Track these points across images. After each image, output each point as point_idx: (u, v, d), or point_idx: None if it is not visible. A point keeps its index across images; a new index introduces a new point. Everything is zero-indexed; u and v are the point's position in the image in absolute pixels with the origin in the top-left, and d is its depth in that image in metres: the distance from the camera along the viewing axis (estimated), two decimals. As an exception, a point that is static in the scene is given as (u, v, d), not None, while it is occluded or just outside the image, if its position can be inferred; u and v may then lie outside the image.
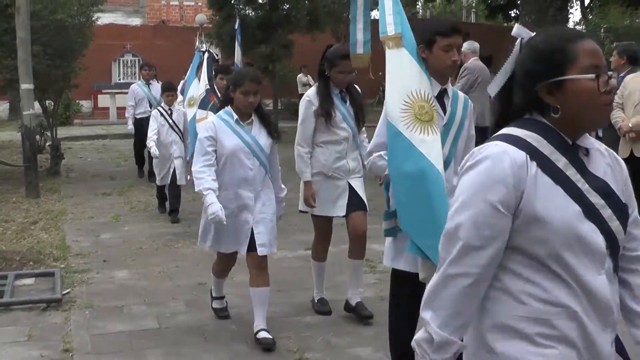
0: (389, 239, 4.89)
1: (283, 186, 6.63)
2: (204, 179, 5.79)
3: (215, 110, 8.22)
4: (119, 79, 31.25)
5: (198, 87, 12.22)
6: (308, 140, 6.57)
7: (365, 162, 5.14)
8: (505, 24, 41.16)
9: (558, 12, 18.73)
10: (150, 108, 13.92)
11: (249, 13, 23.98)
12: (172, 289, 7.50)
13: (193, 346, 5.91)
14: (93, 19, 15.72)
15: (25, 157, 12.93)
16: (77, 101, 28.58)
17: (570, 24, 29.27)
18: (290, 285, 7.57)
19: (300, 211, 6.86)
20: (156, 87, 14.64)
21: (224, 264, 6.53)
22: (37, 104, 14.04)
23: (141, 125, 14.18)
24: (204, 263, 8.45)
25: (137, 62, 31.53)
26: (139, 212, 11.46)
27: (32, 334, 6.16)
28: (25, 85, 12.93)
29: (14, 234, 9.80)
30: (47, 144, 15.44)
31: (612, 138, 8.72)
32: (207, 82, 10.12)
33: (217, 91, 9.82)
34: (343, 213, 6.59)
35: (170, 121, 11.07)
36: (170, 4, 41.04)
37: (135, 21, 35.76)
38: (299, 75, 28.08)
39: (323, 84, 6.58)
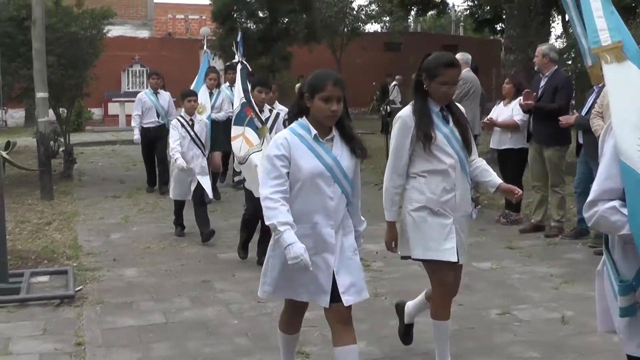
0: (624, 320, 3.44)
1: (362, 218, 5.14)
2: (278, 209, 4.34)
3: (254, 126, 8.14)
4: (128, 88, 31.23)
5: (206, 94, 12.24)
6: (402, 171, 5.24)
7: (586, 214, 3.35)
8: (492, 37, 41.20)
9: (541, 26, 18.78)
10: (158, 118, 13.51)
11: (250, 26, 24.00)
12: (177, 286, 7.50)
13: (197, 340, 5.92)
14: (104, 31, 15.70)
15: (40, 162, 12.92)
16: (88, 109, 28.56)
17: (552, 38, 29.25)
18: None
19: (403, 257, 5.49)
20: (164, 96, 13.83)
21: (293, 314, 5.06)
22: (51, 112, 14.01)
23: (148, 135, 13.57)
24: (207, 261, 8.50)
25: (145, 72, 31.50)
26: (147, 214, 11.46)
27: (47, 328, 6.16)
28: (40, 94, 12.92)
29: (29, 234, 9.80)
30: (61, 149, 15.41)
31: (593, 144, 8.73)
32: (243, 95, 8.51)
33: (254, 104, 8.29)
34: (454, 258, 5.07)
35: (192, 133, 9.60)
36: (176, 17, 41.16)
37: (144, 33, 35.72)
38: (297, 85, 28.04)
39: (421, 99, 5.19)
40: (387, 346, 5.78)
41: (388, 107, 16.53)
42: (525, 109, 9.82)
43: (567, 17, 34.00)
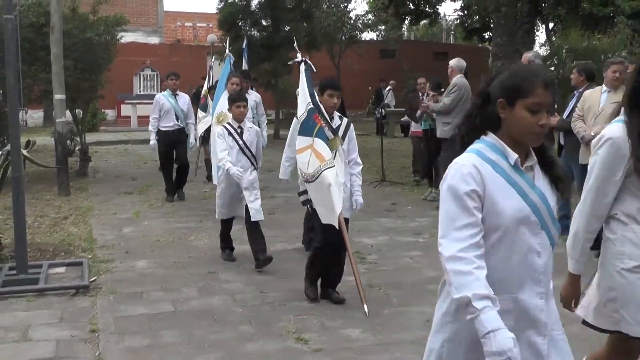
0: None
1: None
2: (474, 275, 2.75)
3: (324, 137, 6.46)
4: (140, 91, 31.27)
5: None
6: (603, 212, 3.78)
7: None
8: (480, 45, 41.19)
9: (526, 35, 18.81)
10: (177, 121, 12.20)
11: (254, 34, 24.01)
12: (185, 277, 7.49)
13: (204, 327, 5.92)
14: (117, 37, 15.71)
15: (58, 160, 12.92)
16: (102, 110, 28.55)
17: (537, 45, 29.28)
18: (289, 274, 7.57)
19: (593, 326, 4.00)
20: (183, 98, 12.62)
21: None
22: (68, 113, 14.02)
23: (168, 138, 12.15)
24: (213, 254, 8.49)
25: (155, 76, 31.58)
26: (157, 209, 11.45)
27: (63, 316, 6.16)
28: (58, 96, 12.92)
29: (47, 228, 9.80)
30: (77, 148, 15.41)
31: (573, 146, 8.76)
32: (310, 100, 6.76)
33: (323, 111, 6.64)
34: None
35: (241, 142, 7.98)
36: (184, 25, 41.14)
37: (154, 40, 35.72)
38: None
39: (637, 118, 3.65)
40: (381, 333, 5.79)
41: (382, 110, 16.53)
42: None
43: (550, 26, 34.13)
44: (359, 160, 6.86)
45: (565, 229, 9.63)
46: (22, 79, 8.26)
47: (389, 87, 27.36)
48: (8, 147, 7.58)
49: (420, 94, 13.66)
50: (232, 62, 11.60)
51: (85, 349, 5.42)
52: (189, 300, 6.68)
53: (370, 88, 31.39)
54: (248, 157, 8.00)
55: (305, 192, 6.76)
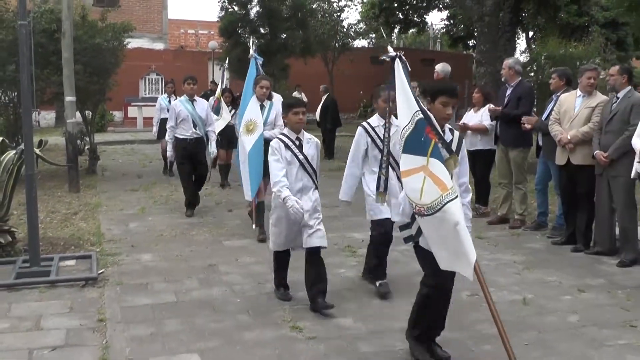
0: None
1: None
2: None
3: (441, 156, 4.58)
4: (145, 94, 31.19)
5: (257, 107, 8.80)
6: None
7: None
8: (465, 52, 41.20)
9: (507, 42, 18.85)
10: (195, 129, 10.49)
11: (253, 40, 24.00)
12: (187, 269, 7.48)
13: (204, 317, 5.91)
14: (124, 43, 15.66)
15: (68, 158, 12.90)
16: (110, 112, 28.44)
17: (517, 52, 29.29)
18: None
19: None
20: (201, 104, 10.85)
21: None
22: (78, 114, 14.00)
23: (186, 148, 10.46)
24: (213, 248, 8.49)
25: (160, 79, 31.50)
26: (161, 205, 11.43)
27: (73, 306, 6.15)
28: (69, 98, 12.91)
29: (58, 223, 9.77)
30: (86, 147, 15.37)
31: (551, 146, 8.77)
32: (418, 108, 4.76)
33: (435, 123, 4.72)
34: None
35: (301, 156, 6.18)
36: (187, 32, 41.07)
37: (159, 46, 35.64)
38: (294, 93, 28.11)
39: None
40: (371, 323, 5.79)
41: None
42: (493, 116, 9.85)
43: (530, 34, 34.14)
44: (469, 185, 5.28)
45: (544, 225, 9.67)
46: (35, 81, 8.27)
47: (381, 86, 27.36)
48: (22, 146, 7.55)
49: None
50: (259, 63, 9.88)
51: (93, 337, 5.41)
52: (190, 291, 6.67)
53: (361, 92, 31.41)
54: (310, 175, 6.24)
55: (408, 225, 5.01)
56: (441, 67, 11.70)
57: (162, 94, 30.89)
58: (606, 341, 5.39)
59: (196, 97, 10.82)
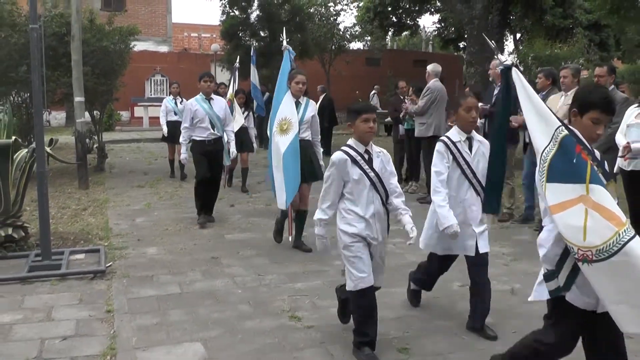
0: None
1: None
2: None
3: (601, 182, 3.45)
4: (151, 94, 31.14)
5: (292, 105, 7.77)
6: None
7: None
8: (455, 53, 41.18)
9: (496, 44, 18.78)
10: (213, 129, 9.41)
11: (253, 43, 23.98)
12: (191, 262, 7.48)
13: (207, 307, 5.92)
14: (130, 46, 15.66)
15: (78, 156, 12.89)
16: (117, 111, 28.46)
17: (506, 53, 29.39)
18: (284, 258, 7.59)
19: None
20: (219, 102, 9.70)
21: None
22: (87, 114, 14.00)
23: (202, 150, 9.36)
24: (216, 241, 8.49)
25: (165, 81, 31.43)
26: (166, 201, 11.42)
27: (83, 298, 6.16)
28: (78, 98, 12.91)
29: (69, 219, 9.77)
30: (95, 145, 15.35)
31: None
32: (560, 123, 3.69)
33: (581, 137, 3.64)
34: None
35: (372, 174, 4.87)
36: (191, 35, 41.06)
37: (164, 48, 35.58)
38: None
39: None
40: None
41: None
42: (482, 114, 9.84)
43: (517, 36, 34.16)
44: None
45: (531, 218, 9.69)
46: (46, 83, 8.25)
47: (373, 92, 27.36)
48: (33, 144, 7.55)
49: (401, 97, 13.62)
50: (292, 57, 8.51)
51: (101, 327, 5.41)
52: (193, 283, 6.67)
53: (357, 92, 31.40)
54: (380, 194, 4.88)
55: (554, 274, 3.73)
56: (432, 68, 11.71)
57: (167, 94, 31.16)
58: (589, 328, 5.39)
59: (213, 96, 9.64)
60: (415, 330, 5.33)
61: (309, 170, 7.94)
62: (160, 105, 15.11)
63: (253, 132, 13.08)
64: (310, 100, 8.16)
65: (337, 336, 5.21)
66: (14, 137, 8.04)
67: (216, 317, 5.67)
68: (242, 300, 6.13)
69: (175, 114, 14.02)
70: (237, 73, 13.79)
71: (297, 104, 7.83)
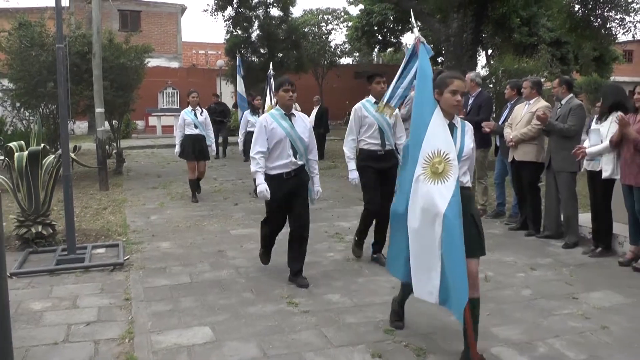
0: None
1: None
2: None
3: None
4: (163, 105, 31.16)
5: (444, 127, 4.44)
6: None
7: None
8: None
9: (470, 59, 18.82)
10: (296, 156, 5.92)
11: (253, 59, 24.01)
12: (199, 255, 7.47)
13: (214, 295, 5.91)
14: (145, 62, 15.67)
15: (99, 161, 12.89)
16: (134, 121, 28.43)
17: (479, 67, 29.40)
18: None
19: None
20: (302, 120, 6.14)
21: None
22: (106, 123, 13.98)
23: (281, 188, 6.01)
24: (222, 236, 8.49)
25: (175, 93, 31.45)
26: (177, 200, 11.41)
27: (104, 287, 6.15)
28: (99, 109, 12.92)
29: (91, 217, 9.76)
30: (114, 151, 15.37)
31: (505, 146, 8.84)
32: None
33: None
34: None
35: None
36: (198, 52, 41.03)
37: (174, 64, 35.55)
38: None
39: None
40: (356, 298, 5.80)
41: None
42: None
43: (489, 52, 34.21)
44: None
45: (502, 214, 9.68)
46: (71, 96, 8.27)
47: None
48: (60, 151, 7.55)
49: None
50: (429, 54, 5.23)
51: (120, 313, 5.41)
52: (202, 273, 6.67)
53: (347, 102, 31.46)
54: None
55: None
56: (415, 81, 11.72)
57: (177, 105, 31.13)
58: (553, 311, 5.43)
59: (295, 111, 6.12)
60: (399, 313, 5.34)
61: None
62: (172, 115, 14.98)
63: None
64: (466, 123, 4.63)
65: (330, 319, 5.21)
66: (42, 145, 8.05)
67: (222, 303, 5.67)
68: (245, 289, 6.13)
69: (196, 127, 11.03)
70: (272, 81, 11.02)
71: (452, 127, 4.32)
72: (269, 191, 5.89)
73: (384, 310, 5.34)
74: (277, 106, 6.12)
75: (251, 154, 5.97)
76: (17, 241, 7.70)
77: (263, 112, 10.84)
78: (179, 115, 11.53)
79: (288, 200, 6.05)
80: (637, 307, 5.57)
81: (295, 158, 6.02)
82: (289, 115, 6.07)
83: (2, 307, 3.30)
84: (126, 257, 7.20)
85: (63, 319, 5.26)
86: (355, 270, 6.76)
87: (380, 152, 6.72)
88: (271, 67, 12.03)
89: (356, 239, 7.16)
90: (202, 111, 11.25)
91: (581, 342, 4.69)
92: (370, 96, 6.80)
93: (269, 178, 5.99)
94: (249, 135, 10.95)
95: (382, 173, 6.72)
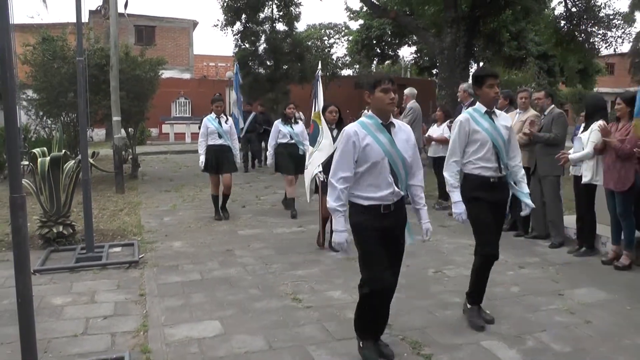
0: None
1: None
2: None
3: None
4: (176, 114, 31.14)
5: None
6: None
7: None
8: (429, 79, 41.22)
9: (462, 71, 18.86)
10: (397, 185, 3.92)
11: (260, 71, 24.03)
12: (209, 253, 7.48)
13: (223, 291, 5.92)
14: (159, 74, 15.68)
15: (115, 166, 12.91)
16: (148, 128, 28.42)
17: (471, 79, 29.50)
18: (287, 250, 7.59)
19: None
20: (405, 131, 4.10)
21: None
22: (123, 131, 14.00)
23: (377, 223, 4.02)
24: (230, 236, 8.49)
25: (188, 102, 31.45)
26: (189, 203, 11.42)
27: (120, 284, 6.17)
28: (115, 118, 12.94)
29: (108, 218, 9.77)
30: (130, 157, 15.38)
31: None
32: None
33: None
34: None
35: None
36: (209, 64, 41.03)
37: (186, 76, 35.57)
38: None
39: None
40: (356, 294, 5.76)
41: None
42: (451, 129, 9.88)
43: (480, 64, 34.19)
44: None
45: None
46: (89, 105, 8.30)
47: (363, 112, 27.38)
48: (79, 156, 7.57)
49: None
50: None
51: (136, 308, 5.42)
52: (212, 271, 6.68)
53: (347, 111, 31.46)
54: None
55: None
56: (409, 91, 11.79)
57: (188, 113, 31.16)
58: (540, 306, 5.43)
59: (394, 120, 4.11)
60: (396, 309, 5.32)
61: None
62: (184, 123, 14.91)
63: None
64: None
65: (332, 314, 5.22)
66: (63, 151, 8.07)
67: (231, 299, 5.67)
68: (252, 285, 6.13)
69: (220, 136, 9.45)
70: (319, 85, 8.42)
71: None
72: (349, 243, 4.02)
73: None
74: (370, 112, 4.06)
75: (331, 179, 3.96)
76: (40, 240, 7.72)
77: (295, 121, 10.14)
78: (190, 123, 11.36)
79: (386, 240, 4.05)
80: (618, 302, 5.57)
81: (398, 187, 4.01)
82: (387, 125, 4.03)
83: (26, 301, 3.32)
84: (141, 256, 7.21)
85: (82, 313, 5.27)
86: (355, 268, 6.73)
87: (494, 179, 4.80)
88: (319, 66, 9.15)
89: (467, 299, 5.12)
90: (227, 119, 9.65)
91: (566, 336, 4.69)
92: (479, 104, 4.91)
93: (360, 210, 3.99)
94: (281, 148, 9.88)
95: (493, 207, 4.83)
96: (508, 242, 8.05)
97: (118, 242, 7.94)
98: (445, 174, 4.88)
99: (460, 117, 4.93)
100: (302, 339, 4.65)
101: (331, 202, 3.94)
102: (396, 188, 3.99)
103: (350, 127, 4.00)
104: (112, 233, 8.55)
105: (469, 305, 5.03)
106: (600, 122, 6.86)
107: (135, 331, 4.82)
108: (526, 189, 4.91)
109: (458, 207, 4.76)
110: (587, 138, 7.04)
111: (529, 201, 4.89)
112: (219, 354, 4.36)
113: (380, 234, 3.98)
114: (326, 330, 4.85)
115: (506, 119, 4.93)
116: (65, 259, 7.11)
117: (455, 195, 4.79)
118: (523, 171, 4.98)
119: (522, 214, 5.03)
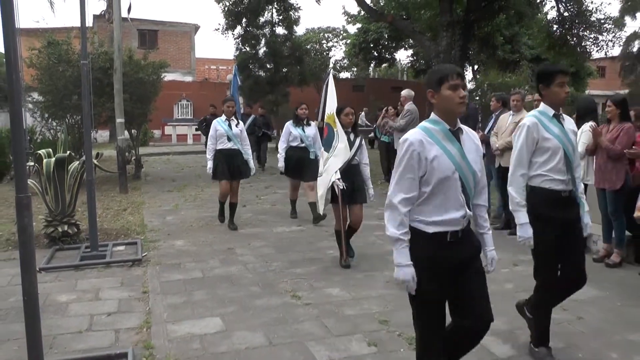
0: None
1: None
2: None
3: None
4: (178, 116, 31.12)
5: None
6: None
7: None
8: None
9: (458, 74, 18.89)
10: (468, 206, 3.04)
11: (261, 74, 24.06)
12: (211, 252, 7.48)
13: (224, 288, 5.92)
14: (161, 77, 15.67)
15: (119, 167, 12.89)
16: (151, 130, 28.42)
17: (466, 81, 29.51)
18: (287, 249, 7.60)
19: None
20: (471, 136, 3.18)
21: None
22: (126, 132, 14.00)
23: (442, 258, 3.04)
24: (231, 235, 8.49)
25: (190, 105, 31.42)
26: (191, 203, 11.41)
27: (123, 281, 6.16)
28: (119, 120, 12.93)
29: (112, 217, 9.77)
30: (133, 158, 15.37)
31: (491, 154, 8.86)
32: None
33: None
34: None
35: None
36: (210, 67, 41.01)
37: (188, 78, 35.55)
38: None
39: None
40: (354, 292, 5.81)
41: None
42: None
43: (475, 67, 34.21)
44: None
45: (487, 214, 9.67)
46: (93, 107, 8.27)
47: (362, 113, 27.38)
48: (84, 157, 7.57)
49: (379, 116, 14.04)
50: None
51: (139, 305, 5.42)
52: (213, 269, 6.68)
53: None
54: None
55: None
56: (407, 93, 11.81)
57: (191, 115, 31.14)
58: (533, 304, 5.42)
59: (463, 127, 3.12)
60: (393, 305, 5.35)
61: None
62: (186, 125, 14.88)
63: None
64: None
65: (330, 311, 5.22)
66: (68, 152, 8.07)
67: (232, 296, 5.67)
68: (252, 283, 6.13)
69: (229, 139, 8.71)
70: (331, 84, 7.85)
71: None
72: (416, 279, 2.99)
73: (378, 302, 5.36)
74: (435, 116, 3.15)
75: (392, 200, 3.04)
76: (45, 239, 7.72)
77: (308, 123, 9.40)
78: (192, 124, 11.33)
79: (451, 277, 3.11)
80: (609, 299, 5.58)
81: (468, 208, 3.11)
82: (455, 132, 3.11)
83: (32, 299, 3.32)
84: (144, 254, 7.21)
85: (86, 309, 5.27)
86: (354, 266, 6.76)
87: (566, 193, 4.05)
88: (331, 66, 8.71)
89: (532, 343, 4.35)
90: (238, 122, 8.86)
91: (559, 332, 4.70)
92: (544, 105, 4.13)
93: (424, 239, 3.04)
94: (290, 151, 9.26)
95: (567, 226, 4.04)
96: (502, 241, 8.06)
97: (122, 241, 7.94)
98: (510, 189, 4.07)
99: (526, 122, 4.11)
100: (302, 335, 4.66)
101: (392, 229, 3.01)
102: (468, 210, 3.09)
103: (414, 135, 3.06)
104: (115, 232, 8.55)
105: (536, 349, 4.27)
106: (592, 124, 6.87)
107: (138, 327, 4.82)
108: (587, 206, 4.15)
109: (525, 230, 3.96)
110: (579, 139, 7.05)
111: (589, 221, 4.12)
112: (220, 350, 4.36)
113: (445, 272, 3.06)
114: (325, 326, 4.85)
115: (571, 123, 4.20)
116: (70, 257, 7.10)
117: (522, 216, 3.98)
118: (583, 185, 4.23)
119: (585, 234, 4.14)
